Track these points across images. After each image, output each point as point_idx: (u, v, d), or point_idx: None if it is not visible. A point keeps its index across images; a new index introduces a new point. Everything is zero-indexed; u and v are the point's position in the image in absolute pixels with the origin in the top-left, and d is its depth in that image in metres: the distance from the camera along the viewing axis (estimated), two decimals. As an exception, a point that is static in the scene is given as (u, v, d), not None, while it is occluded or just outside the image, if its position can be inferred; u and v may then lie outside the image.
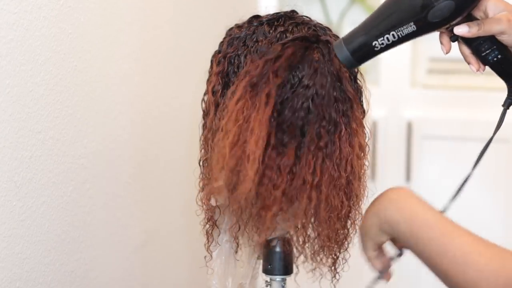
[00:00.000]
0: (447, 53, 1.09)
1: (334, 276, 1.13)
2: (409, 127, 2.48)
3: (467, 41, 1.07)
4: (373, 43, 1.05)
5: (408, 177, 2.47)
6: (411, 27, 1.03)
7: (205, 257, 1.17)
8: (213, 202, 1.13)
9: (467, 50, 1.08)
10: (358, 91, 1.12)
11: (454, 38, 1.08)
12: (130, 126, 1.54)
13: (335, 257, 1.12)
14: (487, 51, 1.07)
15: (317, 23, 1.13)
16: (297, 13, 1.14)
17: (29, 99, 1.17)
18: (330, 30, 1.13)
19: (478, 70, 1.08)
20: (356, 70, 1.13)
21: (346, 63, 1.07)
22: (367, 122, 1.13)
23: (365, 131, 1.11)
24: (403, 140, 2.48)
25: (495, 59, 1.07)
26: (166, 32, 1.72)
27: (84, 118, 1.35)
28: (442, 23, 1.04)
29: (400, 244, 1.03)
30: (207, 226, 1.15)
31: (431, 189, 2.48)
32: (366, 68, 2.43)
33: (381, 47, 1.05)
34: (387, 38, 1.05)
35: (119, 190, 1.51)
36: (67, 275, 1.31)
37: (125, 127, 1.52)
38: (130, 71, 1.54)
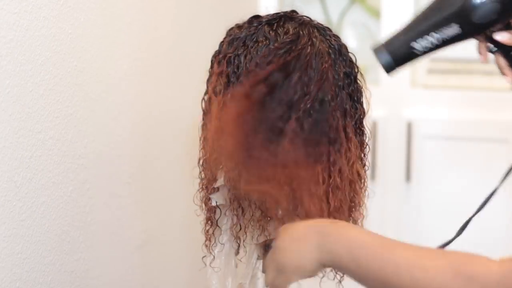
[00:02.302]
0: (483, 62, 1.08)
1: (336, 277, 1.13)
2: (409, 127, 2.47)
3: (505, 51, 1.06)
4: (415, 46, 1.03)
5: (408, 177, 2.47)
6: (455, 29, 1.01)
7: (203, 257, 1.17)
8: (213, 202, 1.13)
9: (503, 62, 1.07)
10: (358, 91, 1.12)
11: (492, 48, 1.06)
12: (130, 126, 1.54)
13: None
14: None
15: (317, 23, 1.13)
16: (297, 13, 1.14)
17: (29, 99, 1.17)
18: (330, 30, 1.13)
19: None
20: (356, 70, 1.12)
21: (386, 67, 1.05)
22: (367, 122, 1.13)
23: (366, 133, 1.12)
24: (403, 140, 2.48)
25: None
26: (166, 32, 1.72)
27: (84, 118, 1.34)
28: (487, 25, 1.02)
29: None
30: (207, 226, 1.15)
31: (431, 189, 2.49)
32: (366, 68, 2.43)
33: (424, 50, 1.03)
34: (431, 41, 1.02)
35: (119, 190, 1.51)
36: (67, 275, 1.31)
37: (125, 127, 1.52)
38: (130, 71, 1.53)
